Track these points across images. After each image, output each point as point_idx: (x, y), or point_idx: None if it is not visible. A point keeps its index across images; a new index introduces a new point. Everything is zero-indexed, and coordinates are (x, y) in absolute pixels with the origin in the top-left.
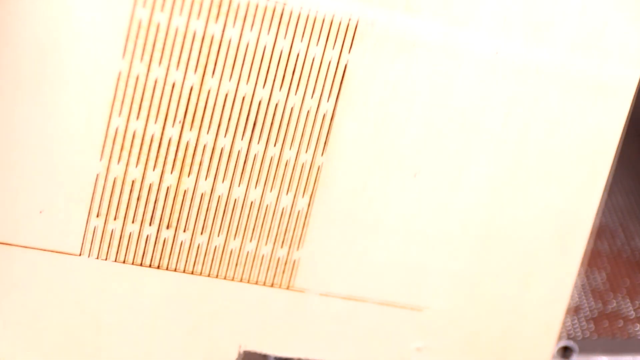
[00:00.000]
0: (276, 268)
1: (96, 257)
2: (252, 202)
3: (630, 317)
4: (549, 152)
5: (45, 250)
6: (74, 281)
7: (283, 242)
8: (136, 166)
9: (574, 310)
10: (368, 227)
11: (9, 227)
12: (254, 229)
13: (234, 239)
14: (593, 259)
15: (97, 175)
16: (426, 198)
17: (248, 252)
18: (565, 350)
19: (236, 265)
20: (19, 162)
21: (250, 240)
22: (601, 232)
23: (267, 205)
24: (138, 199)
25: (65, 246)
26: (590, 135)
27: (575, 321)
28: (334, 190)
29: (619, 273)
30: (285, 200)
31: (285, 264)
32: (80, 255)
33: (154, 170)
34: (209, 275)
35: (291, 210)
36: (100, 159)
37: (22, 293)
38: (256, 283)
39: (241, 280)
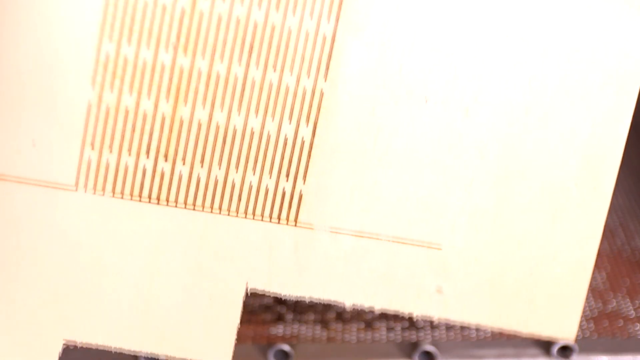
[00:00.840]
0: (281, 202)
1: (92, 190)
2: (252, 132)
3: (630, 317)
4: (570, 74)
5: (39, 183)
6: (71, 217)
7: (287, 174)
8: (130, 94)
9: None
10: (377, 158)
11: (2, 159)
12: (255, 160)
13: (236, 171)
14: None
15: (90, 104)
16: (439, 125)
17: (251, 185)
18: (565, 350)
19: (239, 199)
20: (8, 92)
21: (253, 172)
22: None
23: (268, 135)
24: (133, 129)
25: (60, 179)
26: (617, 52)
27: None
28: (339, 118)
29: (619, 273)
30: (287, 129)
31: (291, 197)
32: (76, 188)
33: (148, 98)
34: (211, 210)
35: (294, 140)
36: (92, 87)
37: (16, 229)
38: (261, 218)
39: (245, 215)
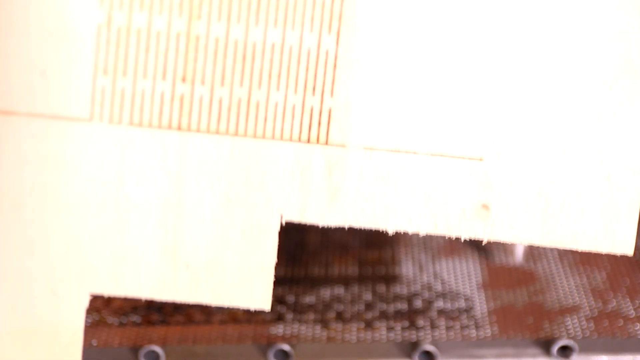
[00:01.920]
0: (310, 120)
1: (109, 121)
2: (273, 45)
3: (630, 317)
4: None
5: (51, 116)
6: (87, 151)
7: (314, 88)
8: (140, 12)
9: (574, 310)
10: (407, 65)
11: (9, 93)
12: (279, 76)
13: (259, 89)
14: (593, 258)
15: (99, 25)
16: (472, 28)
17: (276, 104)
18: (565, 350)
19: (265, 119)
20: (12, 22)
21: (277, 90)
22: None
23: (290, 48)
24: (147, 50)
25: (73, 111)
26: None
27: (575, 320)
28: (362, 25)
29: (619, 272)
30: (310, 40)
31: (320, 114)
32: (90, 120)
33: (160, 15)
34: (236, 134)
35: (318, 51)
36: (100, 6)
37: (29, 168)
38: (289, 139)
39: (272, 137)
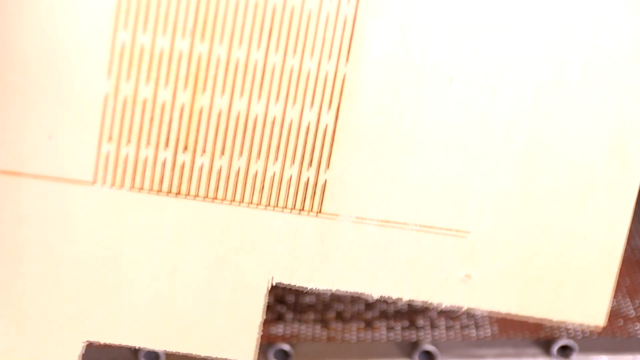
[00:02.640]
0: (305, 191)
1: (111, 185)
2: (273, 119)
3: (630, 316)
4: (597, 49)
5: (56, 178)
6: (89, 212)
7: (310, 162)
8: (146, 84)
9: None
10: (401, 143)
11: (17, 155)
12: (277, 149)
13: (257, 160)
14: None
15: (106, 95)
16: (464, 106)
17: (273, 175)
18: (565, 349)
19: (261, 189)
20: (23, 85)
21: (275, 161)
22: None
23: (290, 122)
24: (151, 119)
25: (78, 174)
26: None
27: None
28: (361, 103)
29: (619, 272)
30: (309, 116)
31: (315, 186)
32: (93, 183)
33: (165, 87)
34: (232, 202)
35: (317, 127)
36: (108, 78)
37: (34, 226)
38: (284, 209)
39: (267, 206)
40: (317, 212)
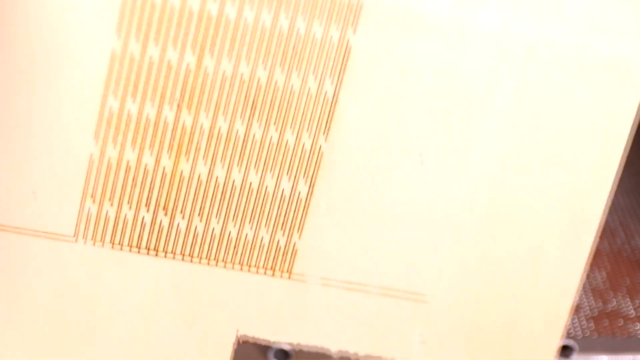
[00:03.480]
0: (275, 254)
1: (91, 241)
2: (250, 186)
3: (630, 316)
4: (559, 135)
5: (38, 233)
6: (68, 266)
7: (283, 227)
8: (132, 148)
9: (574, 309)
10: (371, 213)
11: (2, 209)
12: (252, 214)
13: (233, 224)
14: (593, 258)
15: (92, 157)
16: (431, 182)
17: (246, 238)
18: (565, 349)
19: (234, 251)
20: (11, 143)
21: (250, 226)
22: (601, 231)
23: (266, 190)
24: (133, 182)
25: (60, 229)
26: (603, 117)
27: (576, 320)
28: (336, 175)
29: (619, 272)
30: (286, 185)
31: (285, 250)
32: (74, 238)
33: (150, 152)
34: (207, 262)
35: (291, 195)
36: (95, 141)
37: (15, 278)
38: (255, 269)
39: (240, 266)
40: (288, 273)
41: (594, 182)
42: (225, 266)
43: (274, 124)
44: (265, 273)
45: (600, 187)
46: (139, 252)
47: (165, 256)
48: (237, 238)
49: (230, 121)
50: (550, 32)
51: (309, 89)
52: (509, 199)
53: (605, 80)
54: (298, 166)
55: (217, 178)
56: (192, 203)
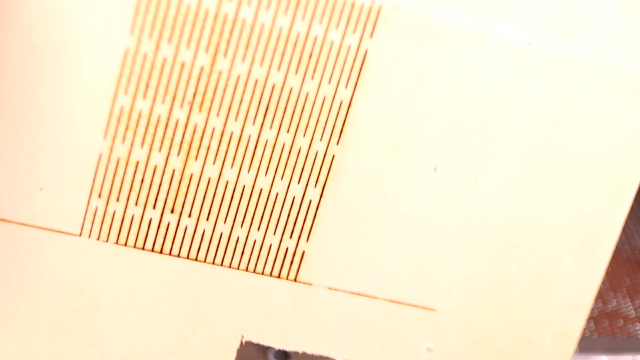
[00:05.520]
0: (283, 259)
1: (96, 238)
2: (260, 190)
3: (630, 316)
4: (578, 152)
5: (44, 228)
6: (72, 262)
7: (292, 233)
8: (141, 147)
9: None
10: (381, 222)
11: (8, 204)
12: (261, 218)
13: (241, 227)
14: None
15: (100, 154)
16: (445, 194)
17: (254, 241)
18: None
19: (242, 254)
20: (20, 138)
21: (258, 229)
22: None
23: (276, 194)
24: (142, 181)
25: (65, 226)
26: (624, 136)
27: None
28: (347, 182)
29: (619, 272)
30: (296, 190)
31: (293, 255)
32: (80, 235)
33: (159, 152)
34: (212, 263)
35: (301, 201)
36: (104, 138)
37: (19, 272)
38: (261, 273)
39: (246, 270)
40: (294, 279)
41: (611, 201)
42: (231, 268)
43: (286, 128)
44: (270, 276)
45: (618, 205)
46: (144, 250)
47: (170, 255)
48: (244, 241)
49: (242, 123)
50: (572, 47)
51: (323, 93)
52: (523, 214)
53: (626, 96)
54: (309, 171)
55: (226, 180)
56: (201, 204)
